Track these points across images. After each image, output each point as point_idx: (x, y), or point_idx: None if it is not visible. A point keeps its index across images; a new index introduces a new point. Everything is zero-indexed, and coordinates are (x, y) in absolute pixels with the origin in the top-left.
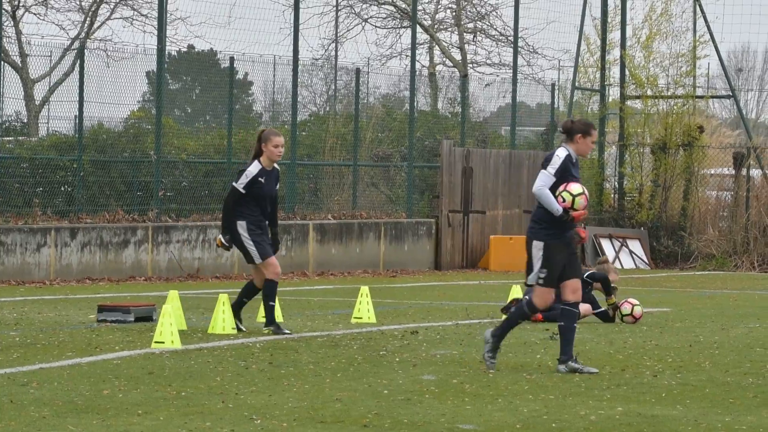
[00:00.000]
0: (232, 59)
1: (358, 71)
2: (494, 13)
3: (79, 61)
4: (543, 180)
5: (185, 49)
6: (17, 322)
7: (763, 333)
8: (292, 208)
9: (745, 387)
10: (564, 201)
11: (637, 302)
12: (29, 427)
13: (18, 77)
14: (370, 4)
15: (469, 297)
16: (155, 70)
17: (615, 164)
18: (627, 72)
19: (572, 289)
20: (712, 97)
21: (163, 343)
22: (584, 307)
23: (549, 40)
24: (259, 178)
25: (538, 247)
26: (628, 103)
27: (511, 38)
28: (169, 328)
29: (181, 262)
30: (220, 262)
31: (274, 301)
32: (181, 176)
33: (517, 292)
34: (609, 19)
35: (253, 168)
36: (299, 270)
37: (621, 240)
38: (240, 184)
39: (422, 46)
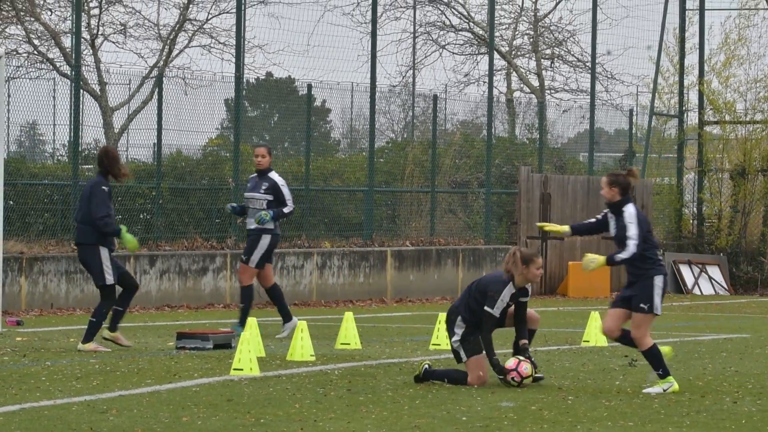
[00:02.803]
0: (309, 86)
1: (435, 98)
2: (572, 39)
3: (157, 89)
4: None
5: (263, 77)
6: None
7: None
8: (370, 235)
9: None
10: None
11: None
12: None
13: (97, 105)
14: (448, 31)
15: (548, 323)
16: (233, 97)
17: (694, 190)
18: (705, 98)
19: None
20: None
21: (242, 370)
22: None
23: (627, 65)
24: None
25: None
26: (706, 128)
27: (589, 64)
28: (247, 355)
29: (259, 288)
30: (298, 289)
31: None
32: None
33: (596, 318)
34: (686, 45)
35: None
36: (377, 297)
37: (700, 266)
38: None
39: (500, 72)
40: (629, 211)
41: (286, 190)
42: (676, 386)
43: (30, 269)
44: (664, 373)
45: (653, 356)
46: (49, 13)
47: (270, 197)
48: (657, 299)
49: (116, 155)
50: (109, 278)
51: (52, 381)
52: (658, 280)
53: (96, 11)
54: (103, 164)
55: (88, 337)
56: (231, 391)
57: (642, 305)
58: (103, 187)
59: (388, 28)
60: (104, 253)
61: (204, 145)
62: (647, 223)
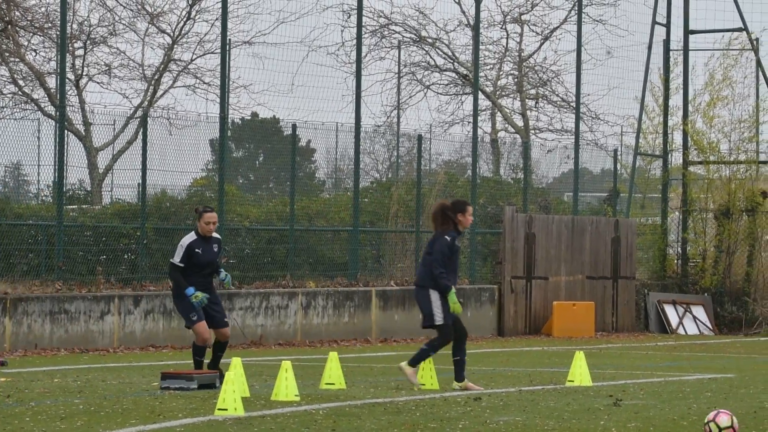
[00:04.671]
0: (294, 126)
1: (420, 138)
2: (556, 79)
3: (142, 129)
4: None
5: (248, 117)
6: (81, 390)
7: None
8: (354, 275)
9: None
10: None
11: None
12: None
13: (81, 146)
14: (432, 71)
15: (533, 363)
16: (218, 137)
17: (678, 230)
18: (689, 138)
19: None
20: None
21: (227, 410)
22: None
23: (611, 105)
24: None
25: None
26: (691, 168)
27: (573, 104)
28: (232, 395)
29: (244, 329)
30: (283, 329)
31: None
32: (243, 243)
33: (580, 358)
34: (670, 85)
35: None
36: (362, 337)
37: (685, 306)
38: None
39: (484, 112)
40: None
41: None
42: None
43: (14, 309)
44: None
45: None
46: (33, 53)
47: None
48: None
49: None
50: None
51: (36, 422)
52: None
53: (81, 52)
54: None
55: (460, 374)
56: (215, 431)
57: None
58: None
59: (372, 68)
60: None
61: (189, 185)
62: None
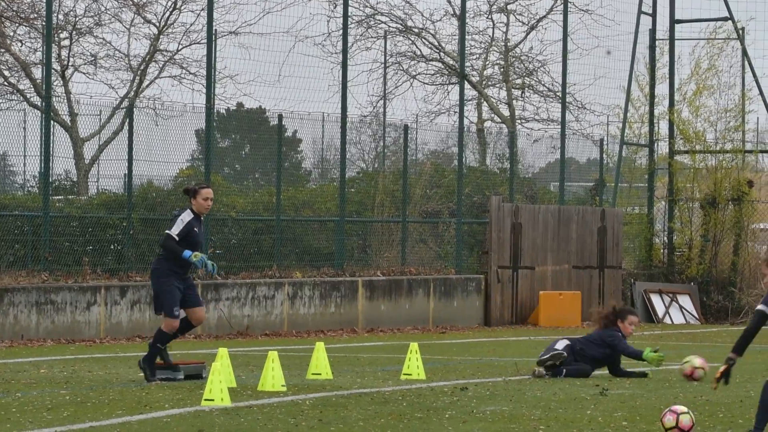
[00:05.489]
0: (280, 117)
1: (406, 128)
2: (542, 69)
3: (128, 120)
4: None
5: (234, 107)
6: (67, 381)
7: None
8: (341, 265)
9: None
10: None
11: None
12: None
13: (68, 136)
14: (419, 61)
15: (519, 353)
16: (204, 128)
17: (664, 219)
18: (675, 127)
19: None
20: (762, 151)
21: (213, 400)
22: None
23: (597, 95)
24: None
25: None
26: (677, 158)
27: (559, 94)
28: (218, 385)
29: (230, 319)
30: (270, 319)
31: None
32: (230, 233)
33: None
34: (656, 75)
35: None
36: (349, 327)
37: (671, 295)
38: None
39: (470, 102)
40: None
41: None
42: None
43: (0, 300)
44: None
45: None
46: (19, 44)
47: None
48: None
49: None
50: None
51: (22, 412)
52: None
53: (66, 42)
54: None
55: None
56: (202, 421)
57: None
58: None
59: (359, 59)
60: None
61: (175, 175)
62: None
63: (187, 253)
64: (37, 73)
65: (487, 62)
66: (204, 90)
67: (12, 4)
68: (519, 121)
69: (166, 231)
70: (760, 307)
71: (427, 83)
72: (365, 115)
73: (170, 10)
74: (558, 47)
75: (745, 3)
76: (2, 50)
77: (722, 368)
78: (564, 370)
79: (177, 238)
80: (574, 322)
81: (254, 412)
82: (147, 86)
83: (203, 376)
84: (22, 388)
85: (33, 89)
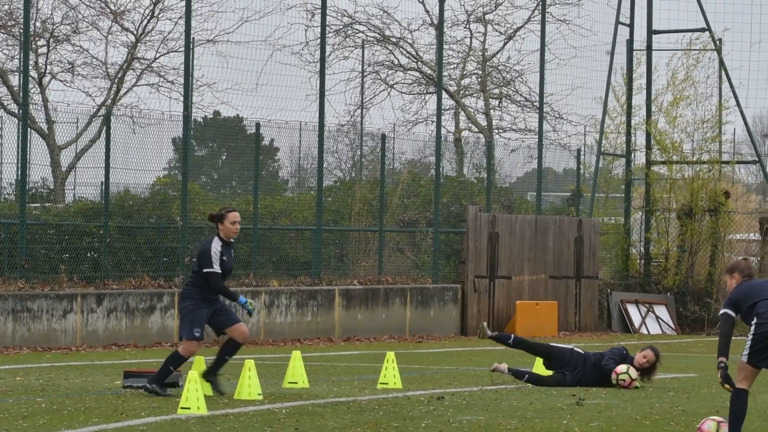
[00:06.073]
0: (258, 125)
1: (383, 137)
2: (520, 78)
3: (105, 128)
4: None
5: (211, 116)
6: (43, 389)
7: None
8: (318, 274)
9: None
10: None
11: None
12: None
13: (45, 144)
14: (396, 70)
15: (495, 362)
16: (181, 136)
17: (641, 230)
18: (652, 138)
19: None
20: (738, 162)
21: (189, 408)
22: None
23: (575, 105)
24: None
25: None
26: (654, 168)
27: (537, 104)
28: (195, 393)
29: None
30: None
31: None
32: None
33: (539, 361)
34: (633, 85)
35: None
36: (325, 335)
37: (647, 305)
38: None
39: (448, 111)
40: None
41: None
42: None
43: None
44: None
45: None
46: None
47: None
48: None
49: None
50: None
51: None
52: None
53: (44, 50)
54: None
55: None
56: (178, 429)
57: None
58: None
59: (336, 68)
60: None
61: (152, 183)
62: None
63: (242, 299)
64: (14, 80)
65: (465, 72)
66: (181, 98)
67: None
68: (496, 130)
69: (205, 270)
70: (724, 310)
71: (404, 92)
72: (343, 124)
73: (148, 18)
74: (535, 57)
75: (723, 14)
76: None
77: (720, 375)
78: (526, 375)
79: (219, 271)
80: (551, 332)
81: (230, 421)
82: (124, 94)
83: (179, 384)
84: None
85: (10, 96)
